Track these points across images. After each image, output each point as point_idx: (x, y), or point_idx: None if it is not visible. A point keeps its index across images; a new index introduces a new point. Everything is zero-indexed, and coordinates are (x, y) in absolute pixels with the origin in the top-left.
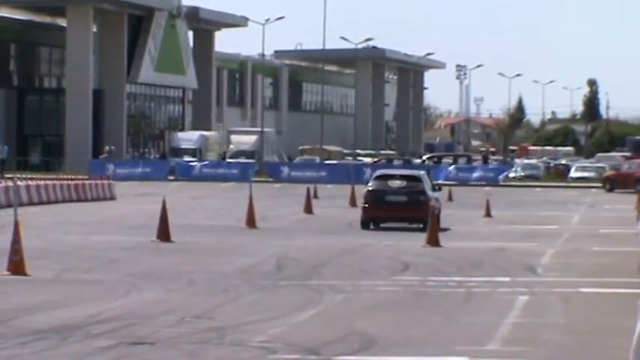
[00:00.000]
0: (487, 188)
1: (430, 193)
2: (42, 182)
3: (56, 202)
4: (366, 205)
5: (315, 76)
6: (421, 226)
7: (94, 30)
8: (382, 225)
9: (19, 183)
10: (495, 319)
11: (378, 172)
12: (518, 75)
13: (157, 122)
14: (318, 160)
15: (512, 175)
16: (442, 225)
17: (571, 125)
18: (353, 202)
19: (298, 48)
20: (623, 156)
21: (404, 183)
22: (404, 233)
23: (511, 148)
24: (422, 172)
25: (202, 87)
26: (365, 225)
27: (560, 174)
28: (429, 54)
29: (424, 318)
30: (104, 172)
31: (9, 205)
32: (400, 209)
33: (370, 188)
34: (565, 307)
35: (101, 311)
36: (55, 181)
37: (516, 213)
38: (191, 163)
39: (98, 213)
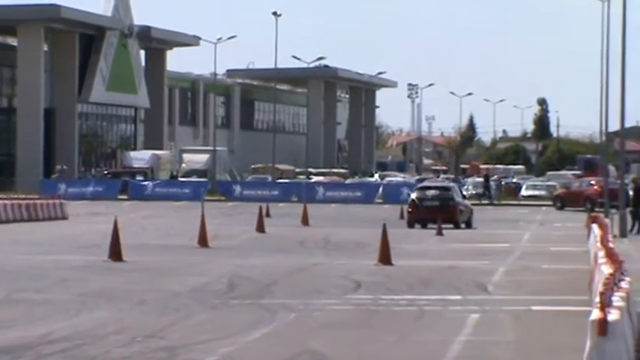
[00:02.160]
0: None
1: (459, 199)
2: None
3: (7, 221)
4: (410, 210)
5: (267, 94)
6: (452, 225)
7: (45, 49)
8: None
9: None
10: (447, 337)
11: (419, 185)
12: (470, 94)
13: (108, 141)
14: (270, 178)
15: (463, 193)
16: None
17: (522, 144)
18: (305, 221)
19: (250, 67)
20: (573, 174)
21: (438, 192)
22: (356, 252)
23: (462, 166)
24: (452, 184)
25: (154, 106)
26: (410, 224)
27: (511, 192)
28: (380, 73)
29: (376, 337)
30: (56, 191)
31: None
32: (435, 212)
33: (413, 196)
34: (516, 325)
35: (52, 331)
36: (6, 201)
37: (467, 231)
38: (143, 183)
39: (49, 232)
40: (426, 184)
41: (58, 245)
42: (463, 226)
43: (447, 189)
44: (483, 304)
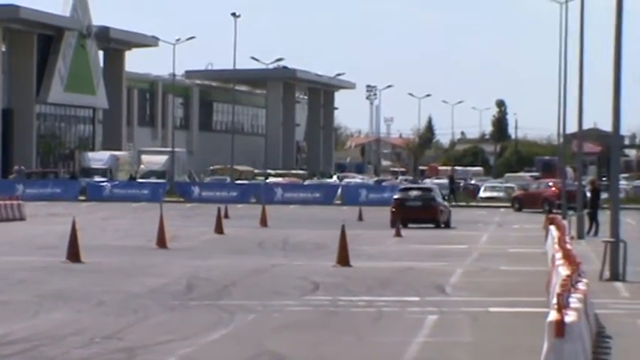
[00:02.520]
0: None
1: (439, 200)
2: None
3: None
4: (394, 210)
5: (226, 96)
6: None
7: (3, 49)
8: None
9: None
10: (405, 339)
11: (402, 186)
12: (428, 95)
13: (67, 142)
14: (228, 180)
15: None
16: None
17: (480, 145)
18: (264, 222)
19: (209, 68)
20: (531, 176)
21: (420, 193)
22: (314, 253)
23: (421, 168)
24: (434, 186)
25: (113, 107)
26: (393, 224)
27: (469, 194)
28: (339, 74)
29: (334, 338)
30: (13, 192)
31: None
32: (417, 212)
33: (396, 197)
34: (474, 327)
35: (9, 332)
36: None
37: (426, 233)
38: (101, 184)
39: (7, 233)
40: (408, 185)
41: (15, 246)
42: (443, 225)
43: (429, 190)
44: (441, 305)
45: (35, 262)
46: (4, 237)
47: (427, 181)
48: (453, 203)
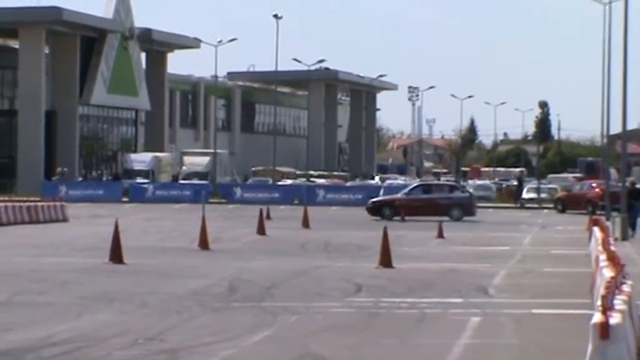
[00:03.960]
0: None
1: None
2: None
3: (8, 224)
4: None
5: (268, 97)
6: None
7: (47, 51)
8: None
9: None
10: (448, 341)
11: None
12: (470, 96)
13: (109, 144)
14: (270, 181)
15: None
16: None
17: (523, 146)
18: (306, 224)
19: (251, 69)
20: (574, 177)
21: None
22: (357, 255)
23: (463, 169)
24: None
25: (155, 108)
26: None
27: (512, 195)
28: (381, 75)
29: (377, 339)
30: (56, 193)
31: None
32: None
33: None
34: (517, 329)
35: (53, 334)
36: (7, 203)
37: (468, 234)
38: (144, 185)
39: (50, 235)
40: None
41: (59, 248)
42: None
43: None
44: (484, 307)
45: (78, 263)
46: (47, 238)
47: (469, 182)
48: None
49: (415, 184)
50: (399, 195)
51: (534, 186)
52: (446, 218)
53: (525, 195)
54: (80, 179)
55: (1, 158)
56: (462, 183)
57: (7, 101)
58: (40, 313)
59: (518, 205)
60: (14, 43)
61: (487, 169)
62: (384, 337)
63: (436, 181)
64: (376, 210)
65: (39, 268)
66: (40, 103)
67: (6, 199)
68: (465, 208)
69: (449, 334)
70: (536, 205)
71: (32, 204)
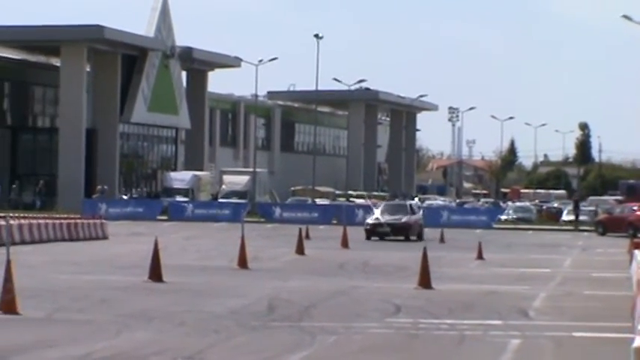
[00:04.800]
0: (479, 231)
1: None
2: (34, 221)
3: (48, 241)
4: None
5: (308, 117)
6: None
7: (88, 69)
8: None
9: (11, 222)
10: None
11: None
12: (511, 118)
13: (149, 162)
14: (310, 200)
15: (504, 217)
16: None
17: (563, 168)
18: (345, 244)
19: (291, 89)
20: (615, 199)
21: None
22: (396, 275)
23: (503, 190)
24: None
25: (195, 127)
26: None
27: (552, 217)
28: (421, 96)
29: None
30: (96, 211)
31: (1, 244)
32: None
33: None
34: (557, 351)
35: (92, 351)
36: (47, 220)
37: (508, 256)
38: (183, 203)
39: (90, 252)
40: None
41: (98, 265)
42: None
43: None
44: (524, 329)
45: (118, 281)
46: (87, 256)
47: (509, 203)
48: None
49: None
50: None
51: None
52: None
53: (565, 217)
54: (125, 197)
55: (42, 176)
56: (501, 204)
57: (48, 119)
58: (79, 330)
59: (574, 227)
60: (56, 61)
61: (527, 190)
62: (423, 359)
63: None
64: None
65: (78, 286)
66: (80, 121)
67: (46, 216)
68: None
69: (488, 357)
70: (586, 228)
71: (72, 221)
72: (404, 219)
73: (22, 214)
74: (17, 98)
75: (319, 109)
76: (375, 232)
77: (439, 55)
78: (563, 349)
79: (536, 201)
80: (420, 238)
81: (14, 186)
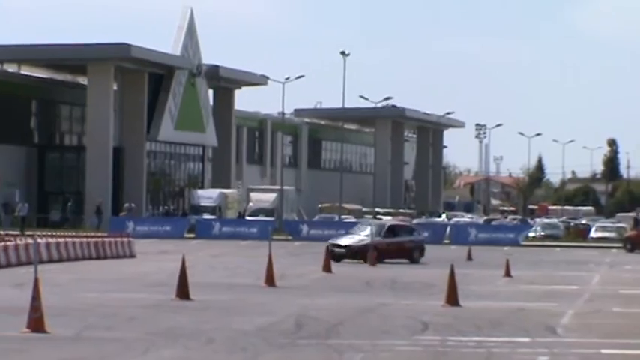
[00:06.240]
0: (506, 248)
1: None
2: (62, 239)
3: (76, 259)
4: None
5: (335, 134)
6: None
7: (115, 88)
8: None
9: (39, 240)
10: None
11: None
12: (538, 134)
13: (176, 180)
14: (337, 218)
15: (531, 234)
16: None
17: (591, 185)
18: (372, 261)
19: (318, 106)
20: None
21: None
22: (423, 292)
23: (531, 207)
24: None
25: (222, 145)
26: None
27: (580, 234)
28: (448, 113)
29: None
30: (124, 229)
31: (29, 263)
32: None
33: None
34: None
35: None
36: (74, 239)
37: (536, 273)
38: (211, 221)
39: (118, 270)
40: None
41: (126, 283)
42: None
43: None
44: (552, 346)
45: (145, 299)
46: (115, 274)
47: (537, 220)
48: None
49: (388, 226)
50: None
51: (603, 225)
52: (405, 261)
53: (593, 234)
54: (172, 211)
55: (69, 194)
56: (529, 221)
57: (75, 137)
58: (107, 348)
59: (629, 246)
60: (83, 80)
61: (555, 207)
62: None
63: (400, 223)
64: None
65: (106, 304)
66: (108, 139)
67: (74, 234)
68: (421, 251)
69: None
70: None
71: (100, 239)
72: (364, 241)
73: (49, 233)
74: (45, 117)
75: (346, 126)
76: (333, 253)
77: (466, 72)
78: None
79: (564, 218)
80: (412, 259)
81: (69, 204)
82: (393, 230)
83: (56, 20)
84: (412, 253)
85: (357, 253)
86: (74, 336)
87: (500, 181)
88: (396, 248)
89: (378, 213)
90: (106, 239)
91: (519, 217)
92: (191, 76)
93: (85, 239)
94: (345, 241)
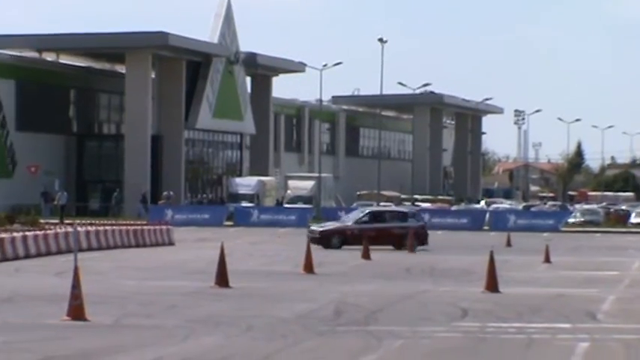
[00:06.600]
0: (546, 234)
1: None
2: (101, 228)
3: (115, 247)
4: None
5: (373, 121)
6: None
7: (153, 76)
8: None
9: (78, 229)
10: None
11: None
12: (577, 120)
13: (214, 168)
14: (375, 205)
15: (571, 220)
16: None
17: (631, 170)
18: (411, 248)
19: (356, 93)
20: None
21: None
22: (462, 279)
23: (570, 193)
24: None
25: (260, 132)
26: None
27: (620, 219)
28: (487, 99)
29: None
30: (162, 217)
31: (69, 251)
32: None
33: None
34: (627, 354)
35: (160, 356)
36: (114, 227)
37: (576, 259)
38: (249, 209)
39: (157, 258)
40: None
41: (165, 271)
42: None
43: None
44: (593, 332)
45: (184, 286)
46: (154, 262)
47: (577, 206)
48: None
49: (367, 212)
50: (349, 224)
51: None
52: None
53: (633, 220)
54: (205, 201)
55: (108, 182)
56: (569, 207)
57: (113, 126)
58: (147, 335)
59: None
60: (121, 68)
61: (594, 193)
62: None
63: (389, 209)
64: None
65: (146, 291)
66: (146, 127)
67: (113, 222)
68: (418, 238)
69: None
70: None
71: (139, 227)
72: (329, 227)
73: (88, 221)
74: (83, 105)
75: (384, 113)
76: (309, 238)
77: (504, 57)
78: (633, 352)
79: (604, 203)
80: (400, 247)
81: (116, 194)
82: (377, 216)
83: (94, 9)
84: (401, 240)
85: (321, 239)
86: (114, 323)
87: (539, 167)
88: (375, 235)
89: (417, 200)
90: (145, 227)
91: (559, 203)
92: (229, 64)
93: (124, 227)
94: (320, 226)
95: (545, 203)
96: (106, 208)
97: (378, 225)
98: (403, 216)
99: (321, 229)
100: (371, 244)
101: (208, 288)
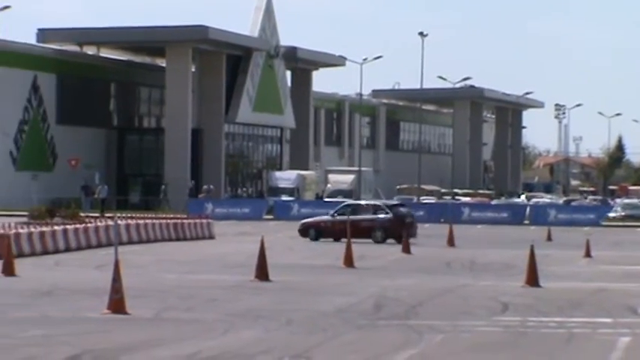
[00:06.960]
0: (587, 228)
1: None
2: (141, 221)
3: (155, 241)
4: None
5: (413, 115)
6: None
7: (193, 70)
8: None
9: (119, 222)
10: None
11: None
12: (618, 114)
13: (254, 161)
14: (415, 199)
15: (612, 215)
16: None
17: None
18: (451, 242)
19: (396, 87)
20: None
21: None
22: (502, 273)
23: (611, 187)
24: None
25: (300, 126)
26: None
27: None
28: (527, 93)
29: (525, 359)
30: (203, 211)
31: (109, 244)
32: None
33: None
34: None
35: (200, 350)
36: (154, 220)
37: (617, 253)
38: (289, 203)
39: (197, 252)
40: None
41: (205, 265)
42: None
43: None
44: (634, 327)
45: (224, 280)
46: (194, 255)
47: (617, 200)
48: None
49: (342, 205)
50: (324, 217)
51: None
52: (369, 241)
53: None
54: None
55: (148, 176)
56: (609, 201)
57: (154, 119)
58: (186, 329)
59: None
60: (161, 62)
61: (635, 187)
62: (532, 356)
63: (363, 202)
64: (305, 232)
65: (186, 285)
66: (186, 121)
67: (153, 216)
68: (386, 231)
69: (598, 354)
70: None
71: (179, 221)
72: (309, 220)
73: (129, 214)
74: (123, 99)
75: (424, 107)
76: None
77: (545, 51)
78: None
79: None
80: (374, 239)
81: (163, 187)
82: (352, 210)
83: (134, 3)
84: (369, 232)
85: (302, 231)
86: (154, 317)
87: (580, 162)
88: (345, 227)
89: (457, 194)
90: (185, 221)
91: (599, 197)
92: (269, 58)
93: (164, 221)
94: (304, 219)
95: (585, 197)
96: (146, 201)
97: (350, 218)
98: (375, 209)
99: (302, 221)
100: (343, 237)
101: (248, 282)
